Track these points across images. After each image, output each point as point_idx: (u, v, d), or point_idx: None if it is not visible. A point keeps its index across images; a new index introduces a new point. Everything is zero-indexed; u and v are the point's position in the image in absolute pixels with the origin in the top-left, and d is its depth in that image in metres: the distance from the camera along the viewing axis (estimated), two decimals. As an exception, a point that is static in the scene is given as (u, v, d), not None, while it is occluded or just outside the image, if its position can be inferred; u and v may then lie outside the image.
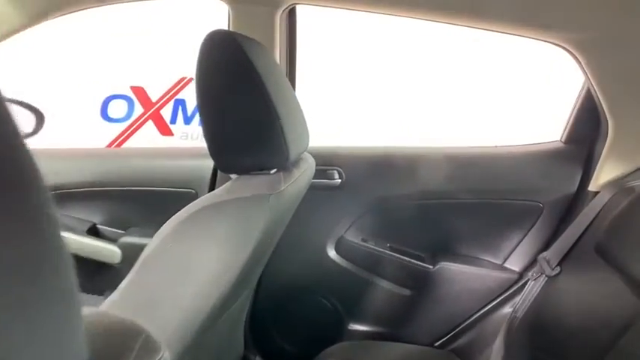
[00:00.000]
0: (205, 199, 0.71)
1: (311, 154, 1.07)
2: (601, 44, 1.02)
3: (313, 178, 1.17)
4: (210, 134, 0.78)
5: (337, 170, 1.33)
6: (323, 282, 1.40)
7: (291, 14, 1.21)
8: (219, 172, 1.26)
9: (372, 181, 1.34)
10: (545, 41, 1.08)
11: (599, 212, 1.12)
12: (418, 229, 1.37)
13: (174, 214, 0.70)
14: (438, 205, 1.34)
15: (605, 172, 1.17)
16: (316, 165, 1.18)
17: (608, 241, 0.95)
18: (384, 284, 1.38)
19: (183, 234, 0.64)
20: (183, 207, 0.70)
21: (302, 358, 1.30)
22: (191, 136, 3.24)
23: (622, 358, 0.78)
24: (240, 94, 0.77)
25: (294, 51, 1.26)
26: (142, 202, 1.28)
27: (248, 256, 0.72)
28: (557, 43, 1.06)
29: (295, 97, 0.96)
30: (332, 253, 1.38)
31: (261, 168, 0.81)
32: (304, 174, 0.95)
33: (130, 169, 1.31)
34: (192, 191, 1.27)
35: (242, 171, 0.82)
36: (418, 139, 2.92)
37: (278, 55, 1.17)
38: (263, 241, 0.78)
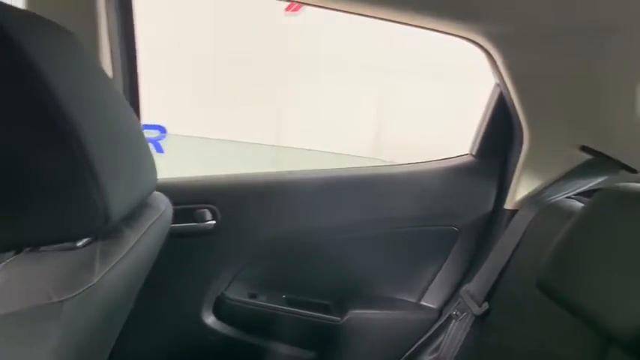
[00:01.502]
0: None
1: (168, 190, 0.73)
2: (519, 40, 0.87)
3: (176, 223, 0.83)
4: None
5: (210, 208, 1.00)
6: (200, 358, 1.05)
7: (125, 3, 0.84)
8: None
9: (256, 218, 1.05)
10: (457, 36, 0.89)
11: (522, 236, 0.98)
12: (320, 273, 1.12)
13: None
14: (340, 242, 1.09)
15: (523, 187, 1.04)
16: (179, 204, 0.84)
17: (547, 273, 0.78)
18: (283, 349, 1.09)
19: None
20: None
21: None
22: None
23: None
24: (10, 108, 0.40)
25: (132, 43, 0.88)
26: None
27: None
28: (472, 38, 0.88)
29: (131, 113, 0.61)
30: (210, 319, 1.05)
31: (57, 239, 0.45)
32: (152, 228, 0.60)
33: None
34: None
35: (17, 245, 0.45)
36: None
37: (106, 53, 0.80)
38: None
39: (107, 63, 0.82)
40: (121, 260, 0.49)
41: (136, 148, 0.57)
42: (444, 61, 2.63)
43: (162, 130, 3.89)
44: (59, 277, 0.42)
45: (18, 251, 0.47)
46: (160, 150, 3.83)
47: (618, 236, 0.68)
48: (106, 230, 0.48)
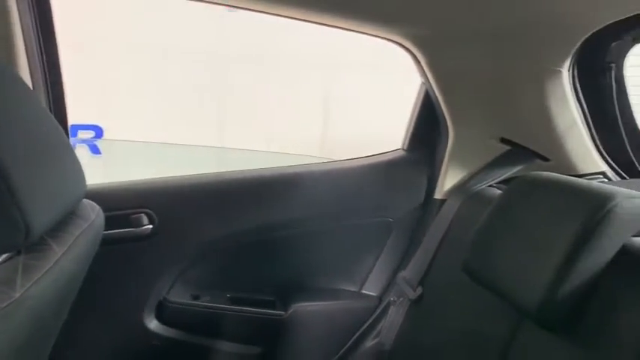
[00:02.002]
0: None
1: (105, 196, 0.74)
2: (439, 42, 0.93)
3: (111, 229, 0.82)
4: None
5: (146, 213, 1.00)
6: None
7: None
8: None
9: (195, 219, 1.06)
10: (382, 38, 0.93)
11: (450, 223, 1.05)
12: (263, 270, 1.15)
13: None
14: (281, 238, 1.13)
15: (450, 178, 1.12)
16: (115, 210, 0.83)
17: (470, 256, 0.85)
18: (229, 347, 1.11)
19: None
20: None
21: None
22: None
23: None
24: None
25: (52, 42, 0.85)
26: None
27: None
28: (395, 40, 0.93)
29: (52, 122, 0.60)
30: (152, 323, 1.05)
31: None
32: (83, 236, 0.60)
33: None
34: None
35: None
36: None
37: (22, 55, 0.77)
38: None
39: (25, 67, 0.78)
40: (46, 273, 0.48)
41: (59, 158, 0.56)
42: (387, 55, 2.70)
43: (98, 130, 3.71)
44: None
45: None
46: (96, 152, 3.66)
47: (528, 220, 0.76)
48: (28, 244, 0.47)
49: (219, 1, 0.87)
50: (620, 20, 0.85)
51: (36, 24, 0.82)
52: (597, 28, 0.85)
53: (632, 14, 0.81)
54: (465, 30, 0.89)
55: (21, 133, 0.48)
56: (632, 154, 1.09)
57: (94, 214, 0.68)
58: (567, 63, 0.94)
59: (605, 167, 1.12)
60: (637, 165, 1.09)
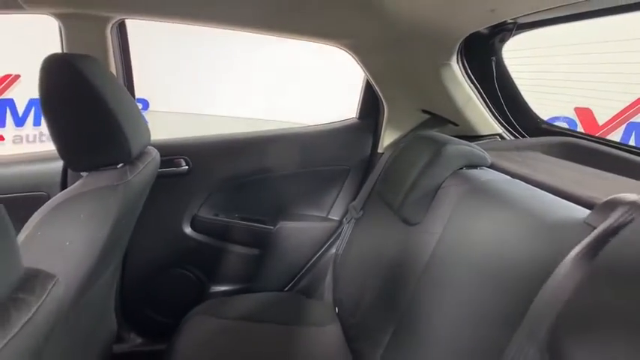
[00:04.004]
0: (66, 192, 0.87)
1: (158, 147, 1.24)
2: (368, 47, 1.41)
3: (162, 168, 1.36)
4: (60, 140, 0.91)
5: (184, 159, 1.54)
6: (183, 256, 1.61)
7: (122, 27, 1.36)
8: (69, 172, 1.37)
9: (216, 165, 1.58)
10: (333, 45, 1.42)
11: (382, 168, 1.54)
12: (259, 200, 1.66)
13: (28, 217, 0.83)
14: (272, 178, 1.64)
15: (387, 138, 1.60)
16: (165, 156, 1.36)
17: (381, 185, 1.35)
18: (236, 249, 1.64)
19: (52, 220, 0.80)
20: (37, 209, 0.84)
21: (173, 325, 1.50)
22: (26, 138, 2.99)
23: (427, 290, 1.01)
24: (81, 106, 0.92)
25: (128, 59, 1.41)
26: None
27: (107, 235, 0.91)
28: (340, 47, 1.41)
29: (132, 100, 1.13)
30: (188, 230, 1.59)
31: (108, 164, 0.97)
32: (149, 164, 1.14)
33: None
34: (44, 194, 1.35)
35: (92, 168, 0.97)
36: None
37: (113, 64, 1.32)
38: (118, 223, 0.96)
39: (112, 64, 1.34)
40: (138, 174, 1.02)
41: (138, 117, 1.10)
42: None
43: (144, 103, 4.38)
44: (114, 176, 0.95)
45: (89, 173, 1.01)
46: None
47: (407, 160, 1.25)
48: (130, 160, 1.01)
49: (197, 21, 1.33)
50: (486, 28, 1.30)
51: (120, 43, 1.37)
52: (464, 37, 1.29)
53: (488, 25, 1.26)
54: (379, 39, 1.36)
55: (120, 101, 1.00)
56: (514, 121, 1.53)
57: (155, 153, 1.22)
58: (454, 58, 1.39)
59: (501, 130, 1.56)
60: (519, 127, 1.53)
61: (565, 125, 3.52)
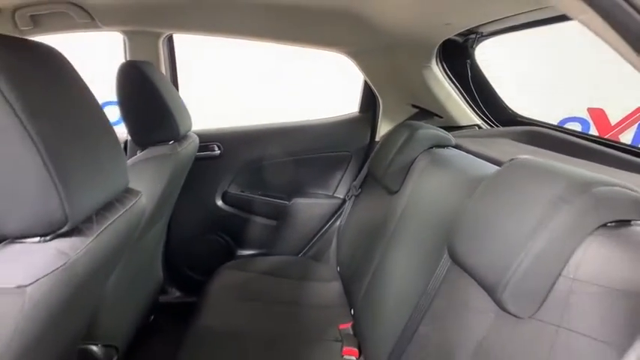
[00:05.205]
0: (135, 158, 1.24)
1: (198, 134, 1.59)
2: (363, 53, 1.74)
3: (200, 152, 1.72)
4: (130, 123, 1.30)
5: (217, 145, 1.90)
6: (215, 224, 1.98)
7: (170, 40, 1.75)
8: (128, 147, 1.75)
9: (243, 150, 1.93)
10: (334, 52, 1.76)
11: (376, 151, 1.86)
12: (278, 180, 1.99)
13: None
14: (289, 162, 1.98)
15: (383, 129, 1.91)
16: (201, 142, 1.72)
17: (372, 164, 1.66)
18: (258, 220, 2.00)
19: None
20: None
21: (207, 282, 1.82)
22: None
23: (393, 240, 1.31)
24: (146, 99, 1.29)
25: (174, 64, 1.80)
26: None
27: (161, 191, 1.27)
28: (340, 53, 1.75)
29: (179, 95, 1.51)
30: (220, 203, 1.96)
31: (163, 140, 1.34)
32: (191, 144, 1.50)
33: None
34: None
35: (152, 143, 1.34)
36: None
37: (164, 68, 1.71)
38: (169, 183, 1.32)
39: (162, 66, 1.74)
40: (184, 149, 1.38)
41: (183, 108, 1.47)
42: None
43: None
44: (168, 148, 1.33)
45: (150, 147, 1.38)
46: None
47: (390, 143, 1.55)
48: (178, 138, 1.37)
49: (210, 33, 1.73)
50: (457, 36, 1.61)
51: (169, 53, 1.76)
52: (438, 44, 1.60)
53: (450, 36, 1.56)
54: (372, 46, 1.68)
55: (172, 96, 1.38)
56: (488, 114, 1.82)
57: (194, 137, 1.59)
58: (433, 61, 1.70)
59: (479, 121, 1.85)
60: (492, 119, 1.82)
61: (578, 126, 3.69)
